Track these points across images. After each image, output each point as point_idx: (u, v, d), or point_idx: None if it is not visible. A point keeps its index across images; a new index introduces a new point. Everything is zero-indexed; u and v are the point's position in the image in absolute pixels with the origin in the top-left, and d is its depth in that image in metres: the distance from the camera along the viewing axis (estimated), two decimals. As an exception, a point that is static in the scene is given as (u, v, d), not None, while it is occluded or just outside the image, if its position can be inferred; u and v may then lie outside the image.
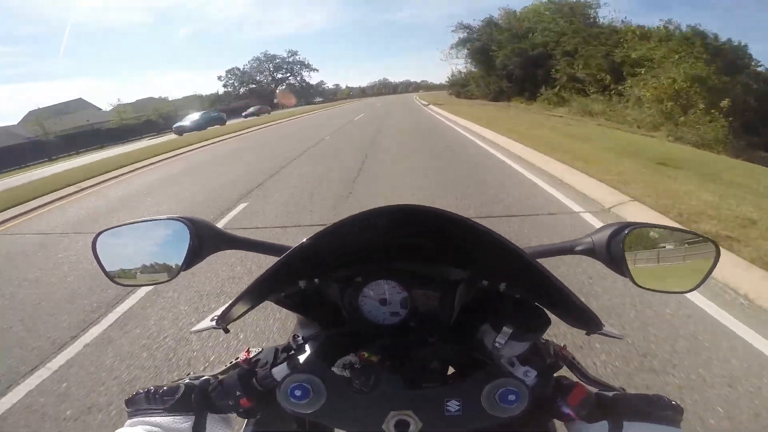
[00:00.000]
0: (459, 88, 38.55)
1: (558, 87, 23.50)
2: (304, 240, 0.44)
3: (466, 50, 33.65)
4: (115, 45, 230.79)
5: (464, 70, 37.75)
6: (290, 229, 4.21)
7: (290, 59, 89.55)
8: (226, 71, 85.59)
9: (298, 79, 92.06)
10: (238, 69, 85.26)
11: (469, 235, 0.46)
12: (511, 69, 28.02)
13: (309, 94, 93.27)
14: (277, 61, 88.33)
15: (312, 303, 0.63)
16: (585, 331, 0.51)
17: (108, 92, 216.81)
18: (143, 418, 0.46)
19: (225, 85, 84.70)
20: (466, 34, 32.69)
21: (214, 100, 74.64)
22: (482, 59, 31.34)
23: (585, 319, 0.48)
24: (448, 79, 41.28)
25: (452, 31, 33.72)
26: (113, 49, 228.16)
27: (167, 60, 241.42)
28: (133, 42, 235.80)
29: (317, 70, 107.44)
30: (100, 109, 51.21)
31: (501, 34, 30.01)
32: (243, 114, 41.65)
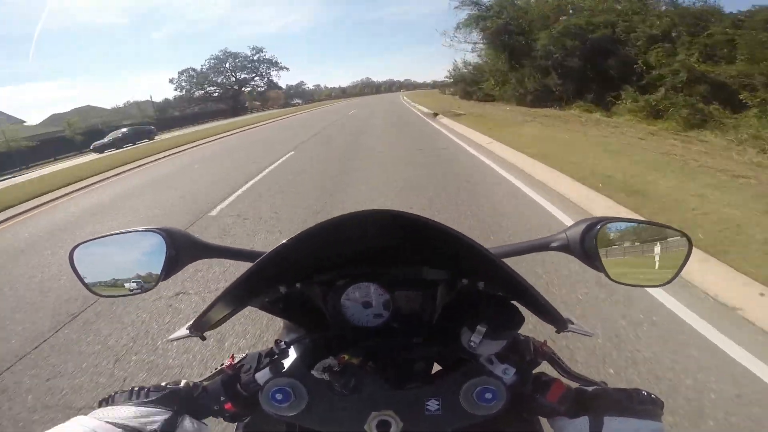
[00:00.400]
0: (466, 86, 26.69)
1: (664, 90, 11.73)
2: (278, 246, 0.44)
3: (477, 32, 21.02)
4: (88, 47, 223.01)
5: (474, 62, 25.03)
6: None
7: (255, 57, 77.89)
8: (178, 72, 73.60)
9: (265, 81, 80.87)
10: (194, 70, 72.77)
11: (439, 236, 0.46)
12: (560, 58, 16.20)
13: (278, 96, 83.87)
14: (239, 59, 76.36)
15: (296, 308, 0.63)
16: (555, 330, 0.52)
17: (76, 98, 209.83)
18: (114, 407, 0.45)
19: (178, 89, 72.30)
20: (476, 11, 20.25)
21: (161, 107, 63.57)
22: (505, 44, 19.51)
23: (552, 317, 0.49)
24: (449, 73, 30.69)
25: (455, 7, 20.69)
26: (85, 52, 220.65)
27: (143, 62, 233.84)
28: (106, 44, 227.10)
29: (287, 69, 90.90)
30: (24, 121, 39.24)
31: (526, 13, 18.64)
32: (93, 146, 24.73)
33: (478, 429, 0.48)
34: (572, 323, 0.53)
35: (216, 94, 73.38)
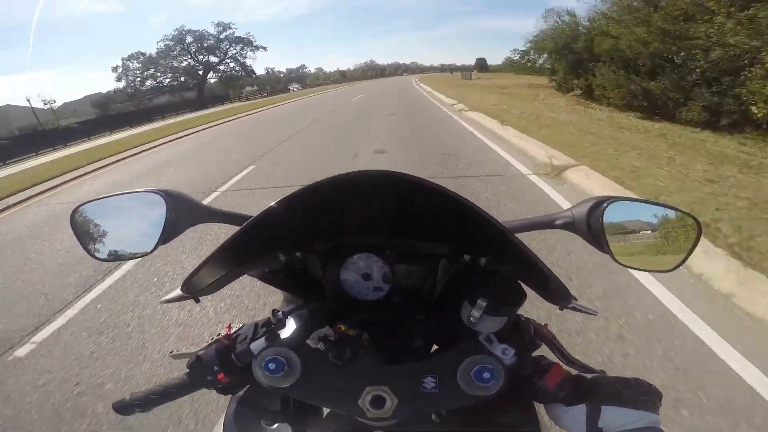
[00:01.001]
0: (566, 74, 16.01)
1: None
2: (266, 208, 0.43)
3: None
4: (82, 35, 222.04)
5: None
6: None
7: (222, 36, 60.54)
8: (122, 59, 55.50)
9: (239, 63, 63.46)
10: (142, 54, 56.30)
11: (449, 206, 0.45)
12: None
13: (255, 81, 72.07)
14: (206, 39, 59.09)
15: (295, 279, 0.63)
16: (558, 307, 0.51)
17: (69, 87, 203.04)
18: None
19: (121, 79, 54.91)
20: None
21: (101, 102, 53.59)
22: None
23: (558, 293, 0.47)
24: (509, 58, 25.85)
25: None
26: (80, 40, 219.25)
27: (139, 49, 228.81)
28: (100, 32, 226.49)
29: (264, 49, 66.53)
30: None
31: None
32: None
33: (473, 412, 0.48)
34: (575, 300, 0.52)
35: (172, 83, 57.51)
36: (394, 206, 0.52)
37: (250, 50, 63.59)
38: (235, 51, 62.65)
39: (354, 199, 0.50)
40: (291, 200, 0.43)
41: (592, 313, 0.56)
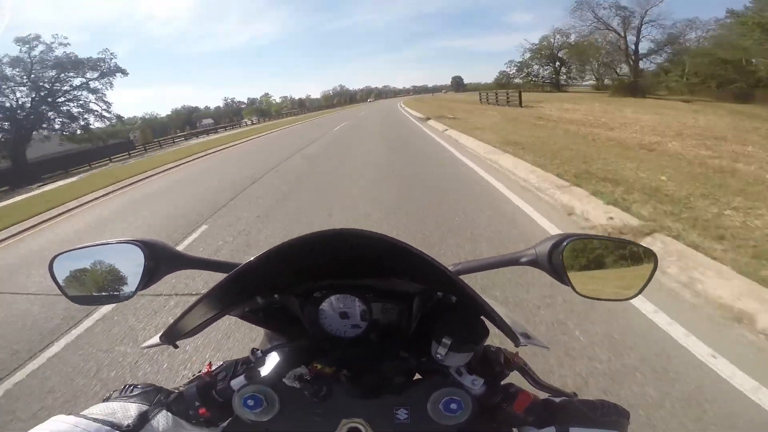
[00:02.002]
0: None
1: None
2: (251, 259, 0.45)
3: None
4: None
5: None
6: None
7: (33, 58, 28.46)
8: None
9: (86, 103, 32.41)
10: None
11: (401, 254, 0.48)
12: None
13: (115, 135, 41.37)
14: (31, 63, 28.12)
15: (275, 317, 0.64)
16: (514, 344, 0.54)
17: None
18: (102, 404, 0.49)
19: None
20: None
21: None
22: None
23: (506, 333, 0.51)
24: (504, 72, 24.13)
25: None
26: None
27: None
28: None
29: (125, 74, 32.88)
30: None
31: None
32: None
33: None
34: (528, 337, 0.55)
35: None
36: (364, 251, 0.55)
37: (101, 79, 32.67)
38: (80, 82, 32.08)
39: (325, 251, 0.53)
40: (270, 255, 0.45)
41: (544, 348, 0.60)
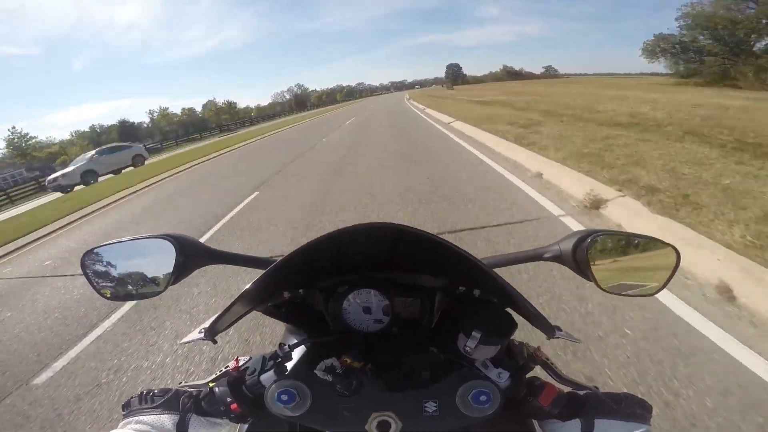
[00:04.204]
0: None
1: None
2: (287, 255, 0.47)
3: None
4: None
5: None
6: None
7: None
8: None
9: None
10: None
11: (437, 248, 0.49)
12: None
13: None
14: None
15: (298, 312, 0.65)
16: (546, 336, 0.54)
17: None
18: (133, 418, 0.49)
19: None
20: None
21: None
22: None
23: (541, 326, 0.51)
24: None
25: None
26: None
27: (61, 95, 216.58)
28: (16, 78, 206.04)
29: None
30: None
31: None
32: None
33: (474, 430, 0.50)
34: (560, 330, 0.56)
35: None
36: (392, 246, 0.55)
37: None
38: None
39: (354, 244, 0.54)
40: (303, 251, 0.46)
41: (575, 342, 0.60)
